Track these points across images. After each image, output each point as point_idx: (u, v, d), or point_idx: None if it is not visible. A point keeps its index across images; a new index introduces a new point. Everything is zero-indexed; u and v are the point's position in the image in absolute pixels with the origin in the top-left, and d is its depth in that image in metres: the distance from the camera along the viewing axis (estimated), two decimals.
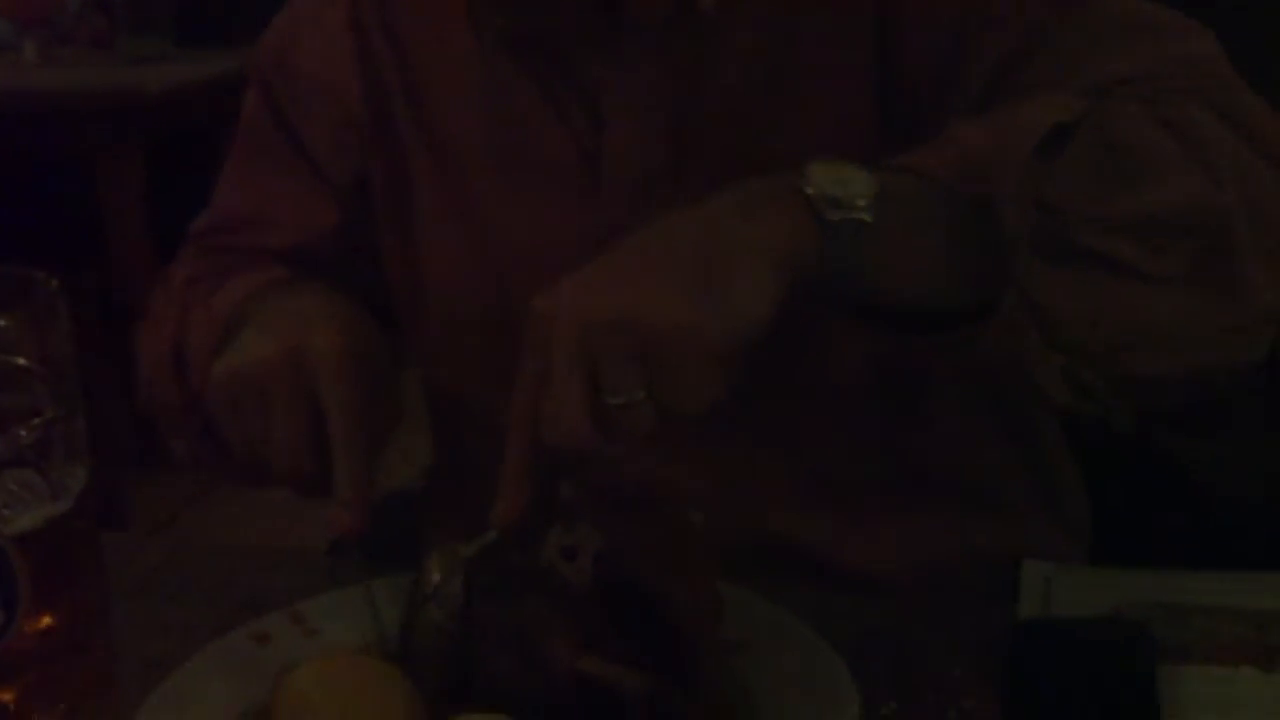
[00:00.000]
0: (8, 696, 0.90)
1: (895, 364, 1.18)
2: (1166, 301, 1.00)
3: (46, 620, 0.91)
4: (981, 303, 0.98)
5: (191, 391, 1.19)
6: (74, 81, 3.49)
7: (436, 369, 1.33)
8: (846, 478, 1.22)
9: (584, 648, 0.89)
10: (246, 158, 1.36)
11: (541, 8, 1.19)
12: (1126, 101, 1.03)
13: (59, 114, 3.34)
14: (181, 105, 3.32)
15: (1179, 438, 1.44)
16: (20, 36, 3.72)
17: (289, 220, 1.32)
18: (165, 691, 0.98)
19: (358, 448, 1.05)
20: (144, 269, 3.15)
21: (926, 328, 1.00)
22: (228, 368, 1.09)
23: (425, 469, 1.42)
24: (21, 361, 0.90)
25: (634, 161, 1.18)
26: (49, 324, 0.92)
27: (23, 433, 0.89)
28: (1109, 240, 0.98)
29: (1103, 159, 0.99)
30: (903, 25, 1.13)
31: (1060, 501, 1.31)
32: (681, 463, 1.10)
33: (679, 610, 0.90)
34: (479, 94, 1.22)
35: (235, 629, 1.05)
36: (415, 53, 1.26)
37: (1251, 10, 1.19)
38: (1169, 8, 1.12)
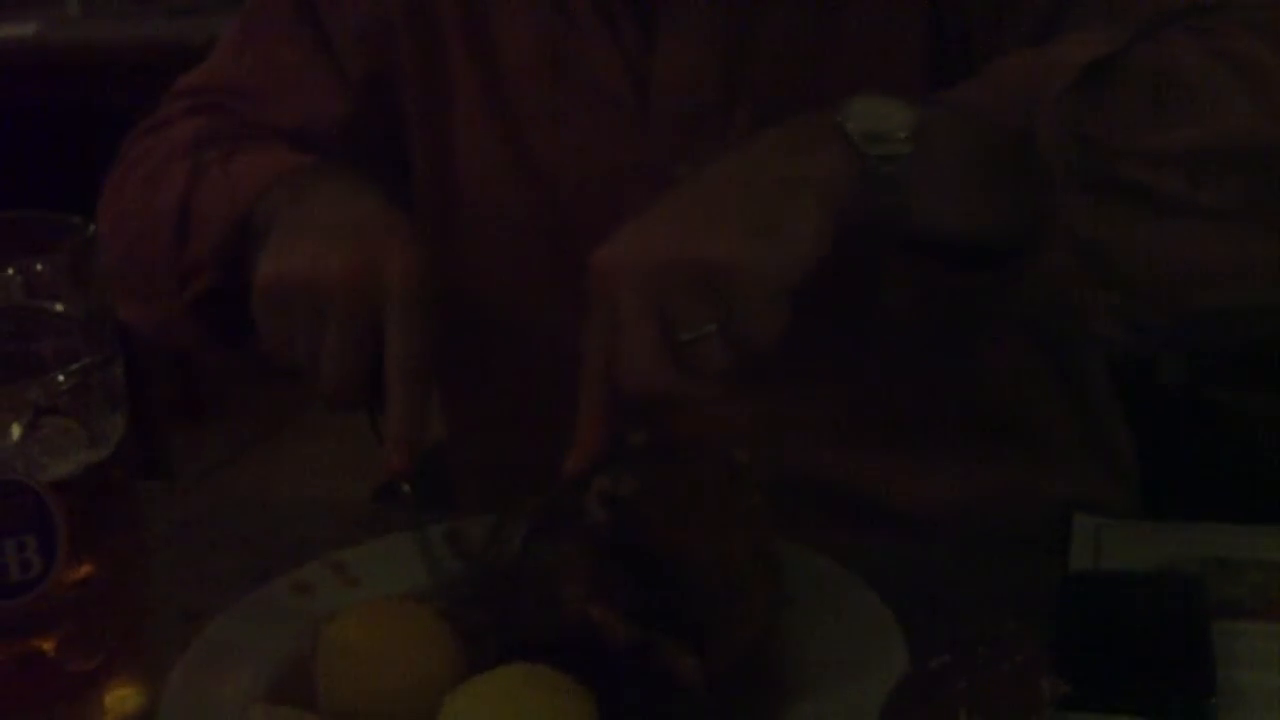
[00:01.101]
0: (46, 645, 0.90)
1: (945, 302, 1.17)
2: (1221, 235, 0.99)
3: (85, 569, 0.90)
4: (1031, 239, 0.97)
5: (191, 258, 1.17)
6: (117, 34, 3.49)
7: (462, 288, 1.28)
8: (894, 417, 1.22)
9: (596, 594, 0.87)
10: (258, 26, 1.33)
11: None
12: (1176, 33, 1.02)
13: (102, 67, 3.35)
14: None
15: (1230, 390, 1.42)
16: None
17: (296, 100, 1.29)
18: (204, 641, 0.97)
19: (418, 383, 1.03)
20: None
21: (973, 264, 1.00)
22: (282, 269, 1.06)
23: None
24: (59, 308, 0.90)
25: (684, 87, 1.17)
26: (86, 270, 0.90)
27: (60, 379, 0.88)
28: (1156, 173, 0.97)
29: (1149, 91, 0.98)
30: None
31: (1109, 449, 1.30)
32: (727, 401, 1.09)
33: (690, 565, 0.89)
34: (533, 5, 1.21)
35: (275, 579, 1.04)
36: None
37: None
38: None
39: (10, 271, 0.88)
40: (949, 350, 1.21)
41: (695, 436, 0.96)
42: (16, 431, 0.87)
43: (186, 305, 1.18)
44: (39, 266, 0.88)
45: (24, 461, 0.87)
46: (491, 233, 1.25)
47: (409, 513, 1.04)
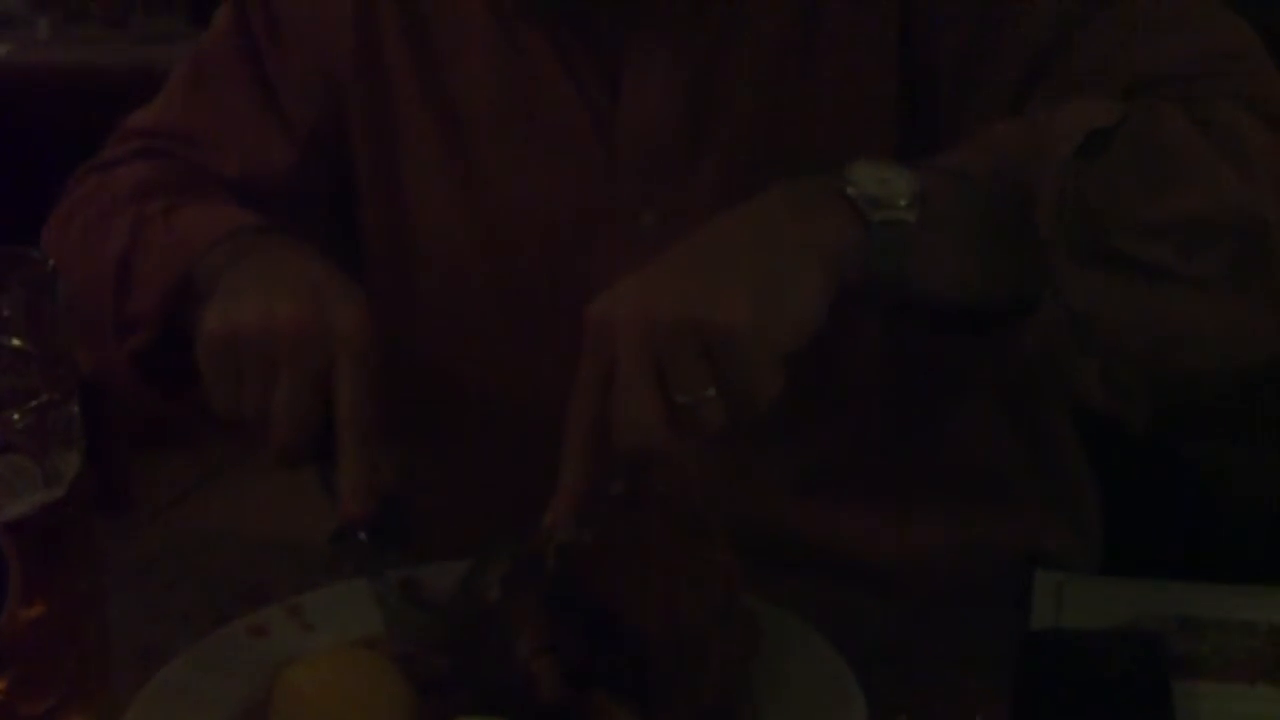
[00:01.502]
0: None
1: (916, 361, 1.17)
2: (1206, 303, 1.01)
3: (38, 609, 0.88)
4: (1020, 303, 0.98)
5: (131, 312, 1.16)
6: (87, 59, 3.48)
7: (417, 343, 1.27)
8: (856, 470, 1.21)
9: (543, 648, 0.87)
10: (205, 72, 1.31)
11: None
12: (1163, 102, 1.03)
13: (71, 92, 3.33)
14: None
15: (1197, 443, 1.42)
16: (34, 13, 3.70)
17: (239, 149, 1.27)
18: (159, 684, 0.96)
19: (368, 435, 1.03)
20: None
21: (964, 327, 1.01)
22: (231, 321, 1.05)
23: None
24: (15, 343, 0.88)
25: (650, 135, 1.16)
26: (44, 305, 0.89)
27: (15, 417, 0.87)
28: (1145, 244, 0.98)
29: (1141, 162, 0.99)
30: (929, 9, 1.11)
31: (1073, 504, 1.30)
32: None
33: (640, 626, 0.88)
34: (492, 55, 1.19)
35: (232, 621, 1.03)
36: (425, 8, 1.22)
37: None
38: None
39: None
40: (914, 407, 1.21)
41: (665, 492, 0.95)
42: None
43: (127, 356, 1.17)
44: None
45: None
46: (448, 287, 1.24)
47: (365, 560, 1.03)
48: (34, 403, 0.88)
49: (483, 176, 1.21)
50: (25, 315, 0.88)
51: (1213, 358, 1.05)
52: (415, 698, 0.90)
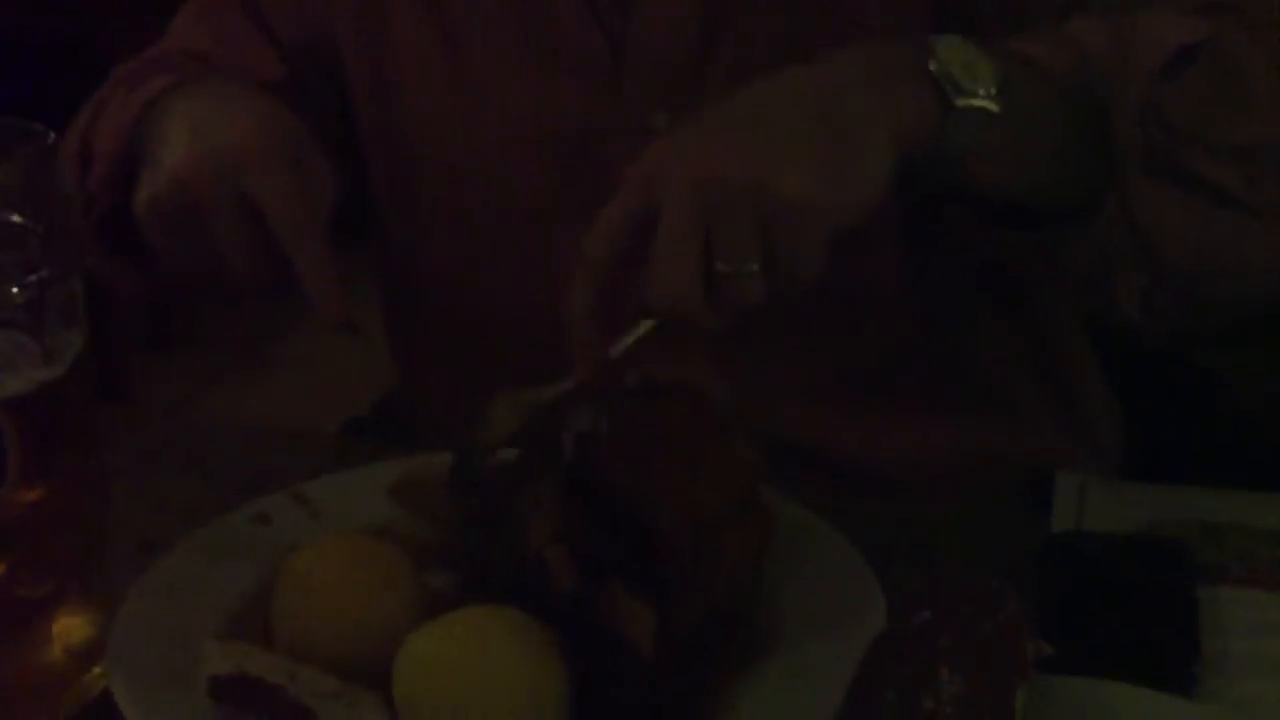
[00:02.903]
0: None
1: (937, 269, 1.16)
2: (1262, 233, 1.01)
3: (36, 491, 0.87)
4: (1079, 207, 0.97)
5: (91, 187, 1.14)
6: None
7: (419, 250, 1.26)
8: (870, 378, 1.19)
9: (557, 537, 0.84)
10: (203, 5, 1.31)
11: None
12: (1238, 28, 1.02)
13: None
14: None
15: (1216, 353, 1.41)
16: None
17: (232, 63, 1.25)
18: (159, 572, 0.95)
19: (309, 234, 0.99)
20: None
21: (1015, 224, 0.99)
22: (149, 195, 1.03)
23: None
24: (16, 218, 0.86)
25: (661, 52, 1.14)
26: (45, 178, 0.87)
27: (15, 291, 0.85)
28: (1214, 166, 0.98)
29: (1219, 84, 0.99)
30: None
31: (1083, 413, 1.28)
32: (696, 357, 1.06)
33: (657, 517, 0.85)
34: None
35: (235, 510, 1.01)
36: None
37: None
38: None
39: None
40: (930, 317, 1.19)
41: (686, 384, 0.92)
42: None
43: (93, 230, 1.15)
44: None
45: None
46: (449, 194, 1.22)
47: (368, 449, 1.01)
48: (33, 277, 0.86)
49: (481, 85, 1.19)
50: (26, 188, 0.86)
51: (1257, 287, 1.05)
52: (424, 586, 0.89)
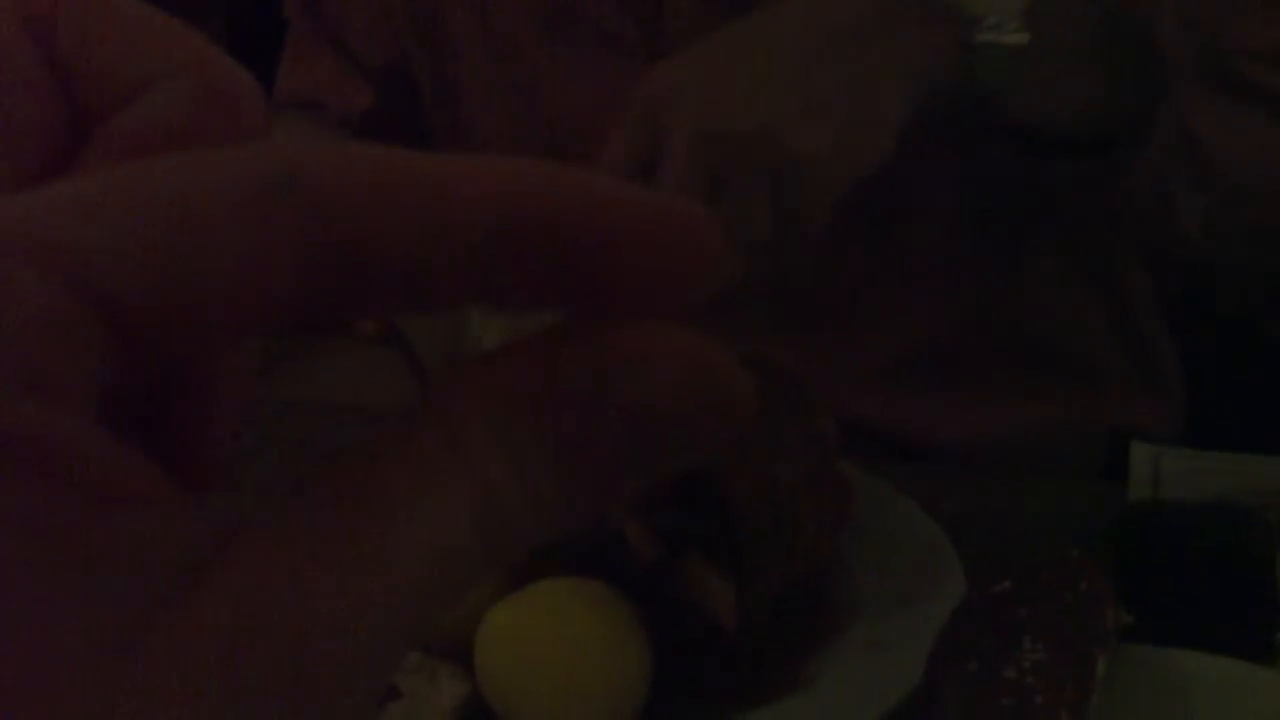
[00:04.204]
0: None
1: (996, 226, 1.13)
2: None
3: None
4: (1132, 131, 0.94)
5: None
6: None
7: None
8: (938, 352, 1.18)
9: (635, 510, 0.85)
10: (294, 41, 1.33)
11: None
12: None
13: None
14: None
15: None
16: None
17: (332, 102, 1.29)
18: None
19: None
20: None
21: (1068, 155, 0.96)
22: None
23: None
24: None
25: (695, 30, 1.13)
26: None
27: None
28: (1267, 71, 0.94)
29: None
30: None
31: (1158, 381, 1.27)
32: (764, 338, 1.05)
33: (733, 491, 0.85)
34: None
35: None
36: None
37: None
38: None
39: None
40: (993, 279, 1.17)
41: (762, 354, 0.92)
42: None
43: None
44: None
45: None
46: None
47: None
48: None
49: (529, 81, 1.19)
50: None
51: None
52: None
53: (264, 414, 1.26)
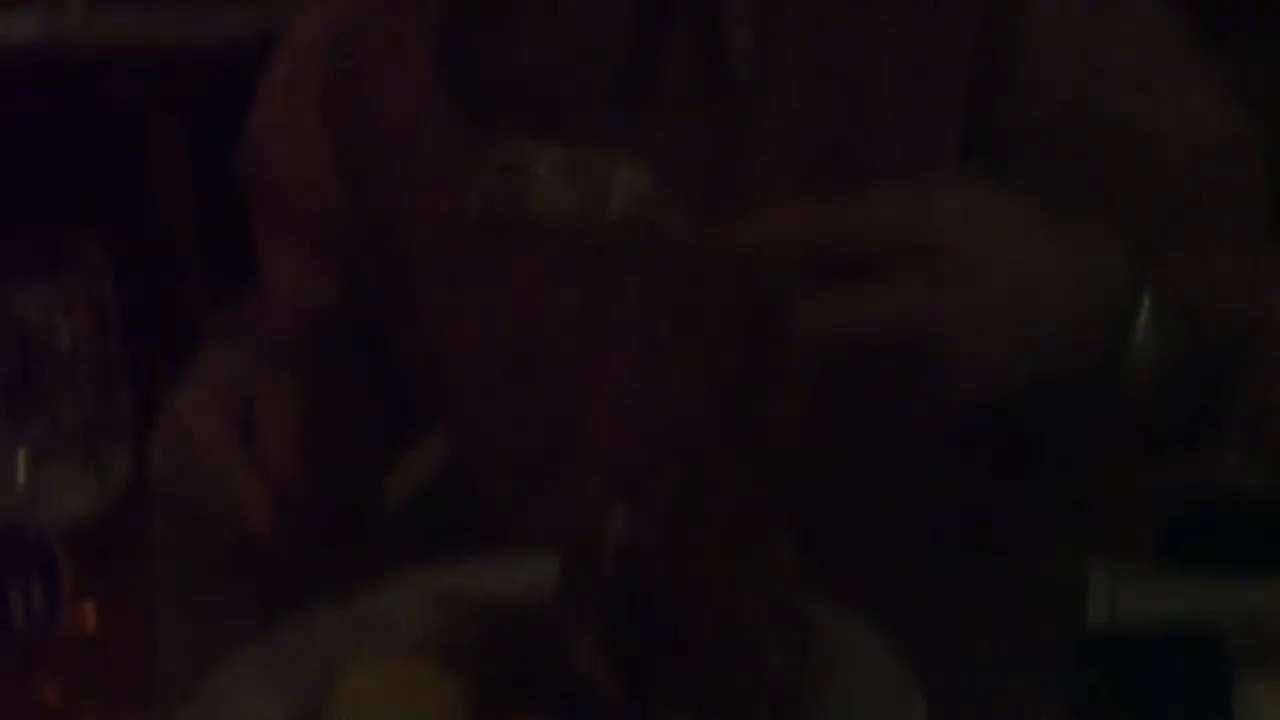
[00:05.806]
0: (48, 690, 0.88)
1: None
2: None
3: (89, 613, 0.88)
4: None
5: None
6: (120, 33, 3.45)
7: (459, 427, 1.29)
8: (890, 540, 1.19)
9: (601, 646, 0.86)
10: (260, 243, 1.33)
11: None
12: None
13: (104, 66, 3.31)
14: (232, 58, 3.28)
15: None
16: None
17: (295, 298, 1.29)
18: (207, 691, 0.95)
19: None
20: (190, 230, 3.12)
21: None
22: None
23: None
24: (66, 338, 0.87)
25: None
26: (96, 295, 0.88)
27: (66, 416, 0.86)
28: None
29: None
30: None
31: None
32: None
33: (698, 629, 0.87)
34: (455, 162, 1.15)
35: (280, 623, 1.01)
36: (394, 131, 1.21)
37: None
38: None
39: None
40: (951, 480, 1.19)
41: (728, 488, 0.94)
42: (22, 472, 0.85)
43: None
44: (44, 290, 0.86)
45: (29, 504, 0.85)
46: (479, 381, 1.23)
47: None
48: (84, 400, 0.87)
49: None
50: (79, 303, 0.87)
51: None
52: (469, 702, 0.89)
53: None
